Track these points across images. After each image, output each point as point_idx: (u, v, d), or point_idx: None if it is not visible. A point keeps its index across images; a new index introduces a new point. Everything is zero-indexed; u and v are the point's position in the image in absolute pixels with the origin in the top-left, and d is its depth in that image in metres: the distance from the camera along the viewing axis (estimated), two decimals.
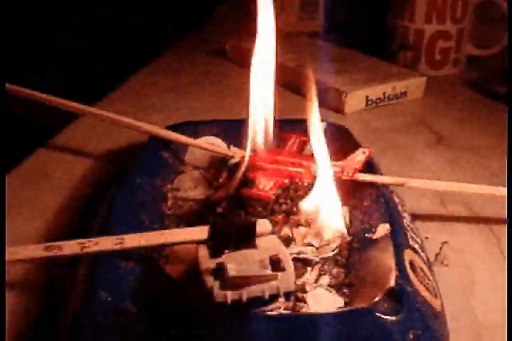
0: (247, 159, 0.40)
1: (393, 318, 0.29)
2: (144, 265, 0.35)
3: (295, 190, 0.41)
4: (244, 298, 0.29)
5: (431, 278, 0.35)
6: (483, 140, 0.59)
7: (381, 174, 0.43)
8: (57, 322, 0.34)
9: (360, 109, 0.65)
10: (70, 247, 0.33)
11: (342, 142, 0.46)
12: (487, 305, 0.37)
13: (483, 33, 0.78)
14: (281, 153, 0.44)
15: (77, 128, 0.62)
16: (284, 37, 0.81)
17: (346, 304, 0.33)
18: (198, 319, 0.29)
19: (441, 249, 0.41)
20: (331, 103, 0.64)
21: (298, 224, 0.39)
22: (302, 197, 0.40)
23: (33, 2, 0.82)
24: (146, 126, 0.49)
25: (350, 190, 0.41)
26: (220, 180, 0.44)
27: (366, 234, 0.37)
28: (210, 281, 0.29)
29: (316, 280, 0.35)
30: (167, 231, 0.35)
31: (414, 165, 0.54)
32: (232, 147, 0.48)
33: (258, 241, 0.32)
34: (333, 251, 0.37)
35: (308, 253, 0.37)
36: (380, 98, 0.65)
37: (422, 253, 0.37)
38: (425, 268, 0.35)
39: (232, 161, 0.45)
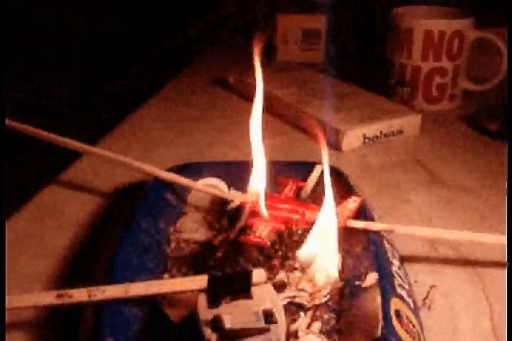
0: (247, 209, 0.43)
1: None
2: (147, 308, 0.38)
3: (290, 236, 0.43)
4: None
5: (416, 325, 0.37)
6: (476, 179, 0.61)
7: (372, 219, 0.46)
8: None
9: (357, 147, 0.67)
10: (80, 295, 0.35)
11: (336, 184, 0.48)
12: None
13: (479, 67, 0.81)
14: (278, 198, 0.47)
15: (82, 164, 0.63)
16: (284, 68, 0.85)
17: None
18: None
19: (428, 293, 0.44)
20: (329, 140, 0.66)
21: (293, 269, 0.41)
22: (297, 242, 0.43)
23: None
24: (147, 168, 0.51)
25: (343, 237, 0.43)
26: (222, 222, 0.47)
27: (356, 282, 0.40)
28: (208, 333, 0.32)
29: (309, 326, 0.38)
30: (170, 280, 0.37)
31: (406, 204, 0.56)
32: (232, 190, 0.51)
33: (253, 289, 0.35)
34: (325, 296, 0.39)
35: (303, 298, 0.39)
36: (376, 136, 0.68)
37: (408, 300, 0.39)
38: (411, 316, 0.38)
39: (232, 205, 0.47)
